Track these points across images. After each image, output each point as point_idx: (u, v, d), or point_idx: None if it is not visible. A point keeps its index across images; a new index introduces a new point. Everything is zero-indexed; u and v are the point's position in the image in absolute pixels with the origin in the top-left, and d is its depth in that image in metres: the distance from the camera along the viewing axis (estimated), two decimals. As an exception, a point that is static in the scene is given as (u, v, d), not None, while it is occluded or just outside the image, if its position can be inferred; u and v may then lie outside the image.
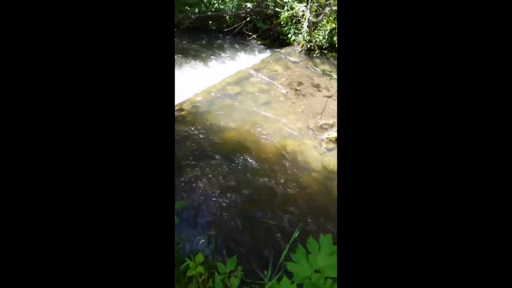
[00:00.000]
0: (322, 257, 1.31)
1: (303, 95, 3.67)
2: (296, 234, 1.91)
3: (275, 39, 4.56)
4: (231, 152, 2.78)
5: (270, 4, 4.39)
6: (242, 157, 2.75)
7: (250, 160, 2.75)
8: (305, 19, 4.18)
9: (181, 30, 4.10)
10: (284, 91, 3.69)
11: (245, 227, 2.19)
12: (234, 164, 2.68)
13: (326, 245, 1.33)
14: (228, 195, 2.39)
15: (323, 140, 3.14)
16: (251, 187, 2.50)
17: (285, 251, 1.66)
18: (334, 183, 2.71)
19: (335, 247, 1.31)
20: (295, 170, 2.75)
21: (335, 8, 4.07)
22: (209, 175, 2.53)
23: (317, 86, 3.82)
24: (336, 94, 3.70)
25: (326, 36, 4.23)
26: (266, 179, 2.60)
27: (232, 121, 3.12)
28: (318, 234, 1.50)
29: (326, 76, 3.99)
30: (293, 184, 2.61)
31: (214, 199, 2.35)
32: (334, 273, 1.26)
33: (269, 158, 2.81)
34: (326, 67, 4.17)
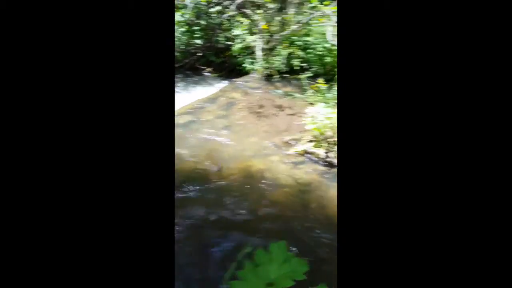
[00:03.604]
0: (274, 267, 1.05)
1: (265, 116, 3.41)
2: (247, 251, 1.67)
3: (231, 70, 4.53)
4: (182, 184, 2.34)
5: (220, 39, 4.42)
6: (197, 187, 2.33)
7: (206, 189, 2.33)
8: (259, 47, 4.17)
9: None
10: (243, 114, 3.41)
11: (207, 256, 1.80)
12: (186, 196, 2.25)
13: (278, 254, 1.09)
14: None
15: (290, 154, 2.77)
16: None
17: (230, 270, 1.47)
18: (309, 196, 2.33)
19: (290, 253, 1.09)
20: (262, 190, 2.33)
21: (285, 32, 4.12)
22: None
23: (279, 107, 3.59)
24: (299, 112, 3.45)
25: (284, 61, 4.18)
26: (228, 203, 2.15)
27: (183, 150, 2.73)
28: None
29: (288, 96, 3.80)
30: (264, 203, 2.22)
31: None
32: (289, 283, 0.99)
33: (230, 183, 2.38)
34: (288, 89, 4.03)
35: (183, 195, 2.27)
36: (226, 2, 4.39)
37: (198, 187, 2.34)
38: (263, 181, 2.43)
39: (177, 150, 2.74)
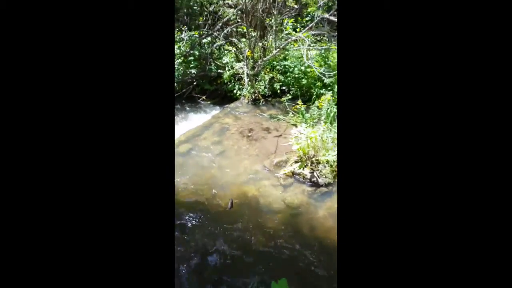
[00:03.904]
0: None
1: (255, 140, 3.81)
2: None
3: (223, 97, 4.89)
4: (184, 211, 2.68)
5: (212, 67, 4.80)
6: (197, 216, 2.65)
7: (206, 218, 2.64)
8: (245, 74, 4.57)
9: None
10: (236, 139, 3.82)
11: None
12: (187, 224, 2.56)
13: None
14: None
15: (280, 177, 3.18)
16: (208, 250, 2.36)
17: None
18: (300, 220, 2.67)
19: None
20: (258, 217, 2.67)
21: (266, 58, 4.53)
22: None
23: (267, 129, 4.00)
24: (284, 133, 3.88)
25: (267, 85, 4.59)
26: (224, 236, 2.49)
27: (186, 178, 3.11)
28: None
29: (273, 119, 4.21)
30: (259, 232, 2.50)
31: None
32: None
33: (228, 211, 2.74)
34: (273, 111, 4.44)
35: (184, 223, 2.54)
36: (216, 33, 4.77)
37: (198, 216, 2.63)
38: (257, 208, 2.76)
39: (179, 178, 3.10)
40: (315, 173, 3.14)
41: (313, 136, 3.27)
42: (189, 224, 2.57)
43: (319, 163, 3.22)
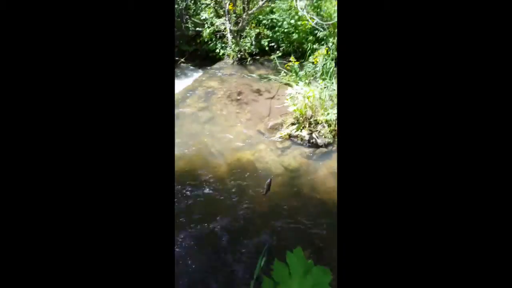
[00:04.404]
0: (295, 283, 1.04)
1: (246, 103, 3.49)
2: (261, 263, 1.66)
3: (204, 58, 4.45)
4: (178, 183, 2.41)
5: (189, 25, 4.27)
6: (191, 187, 2.40)
7: (201, 187, 2.41)
8: (228, 30, 4.10)
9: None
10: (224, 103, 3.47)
11: (206, 266, 1.82)
12: (184, 195, 2.32)
13: (296, 265, 1.06)
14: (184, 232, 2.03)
15: (277, 141, 2.93)
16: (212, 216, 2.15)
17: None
18: (300, 181, 2.48)
19: (309, 262, 1.06)
20: (255, 183, 2.44)
21: (251, 11, 4.06)
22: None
23: (258, 91, 3.67)
24: (277, 94, 3.56)
25: (254, 42, 4.16)
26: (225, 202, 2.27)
27: (175, 149, 2.78)
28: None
29: (263, 79, 3.86)
30: (258, 198, 2.30)
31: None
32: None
33: (224, 178, 2.49)
34: (262, 71, 4.07)
35: (180, 195, 2.33)
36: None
37: (192, 188, 2.39)
38: (255, 174, 2.54)
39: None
40: (313, 134, 2.91)
41: (310, 95, 2.98)
42: (186, 197, 2.32)
43: (318, 123, 2.98)
